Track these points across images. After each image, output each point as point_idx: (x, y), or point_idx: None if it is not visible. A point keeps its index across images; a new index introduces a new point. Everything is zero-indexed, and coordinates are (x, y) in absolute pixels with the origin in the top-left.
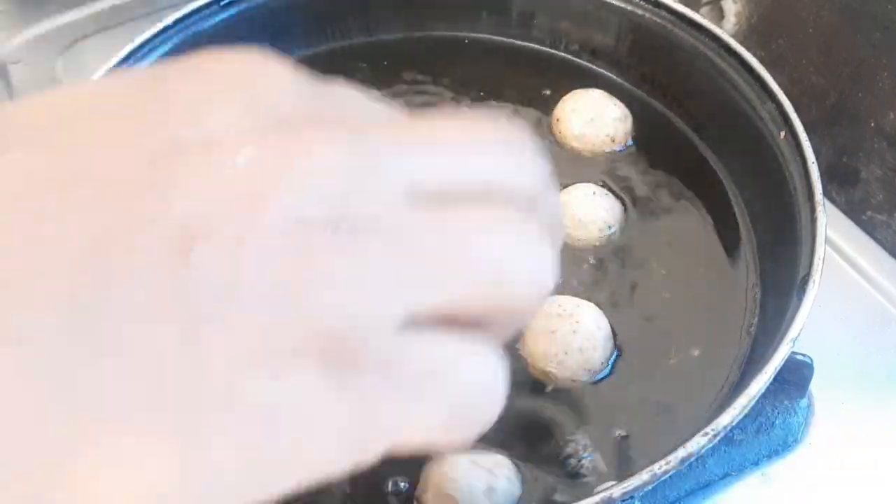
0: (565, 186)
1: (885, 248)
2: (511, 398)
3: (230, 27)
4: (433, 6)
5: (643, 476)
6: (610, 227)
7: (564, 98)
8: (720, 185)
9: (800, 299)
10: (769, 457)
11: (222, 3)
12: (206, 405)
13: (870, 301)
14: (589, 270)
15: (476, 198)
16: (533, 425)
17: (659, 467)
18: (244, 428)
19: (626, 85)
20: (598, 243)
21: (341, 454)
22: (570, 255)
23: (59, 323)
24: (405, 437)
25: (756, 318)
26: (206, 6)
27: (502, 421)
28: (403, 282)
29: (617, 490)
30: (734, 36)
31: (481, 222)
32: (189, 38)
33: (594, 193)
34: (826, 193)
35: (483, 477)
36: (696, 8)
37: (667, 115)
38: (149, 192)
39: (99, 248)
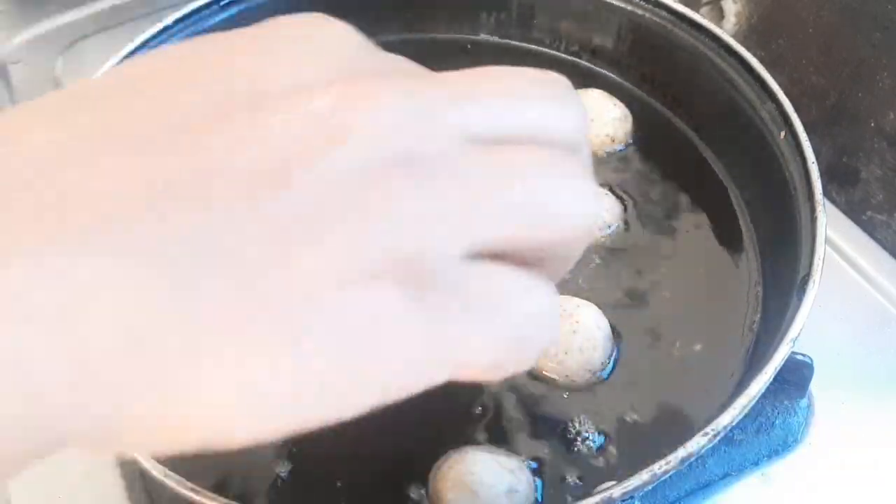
0: None
1: (885, 248)
2: (512, 398)
3: (230, 27)
4: (433, 7)
5: (643, 476)
6: (610, 227)
7: None
8: (720, 185)
9: (800, 299)
10: (769, 457)
11: (222, 3)
12: (302, 318)
13: (870, 301)
14: (589, 270)
15: (523, 141)
16: (533, 426)
17: (659, 467)
18: (334, 339)
19: (626, 85)
20: (598, 243)
21: (416, 371)
22: None
23: (181, 239)
24: (471, 358)
25: (757, 318)
26: (206, 6)
27: (503, 421)
28: (467, 215)
29: (617, 490)
30: (734, 36)
31: (530, 162)
32: (189, 38)
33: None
34: (826, 193)
35: (506, 478)
36: (696, 8)
37: (667, 115)
38: (244, 130)
39: (204, 176)
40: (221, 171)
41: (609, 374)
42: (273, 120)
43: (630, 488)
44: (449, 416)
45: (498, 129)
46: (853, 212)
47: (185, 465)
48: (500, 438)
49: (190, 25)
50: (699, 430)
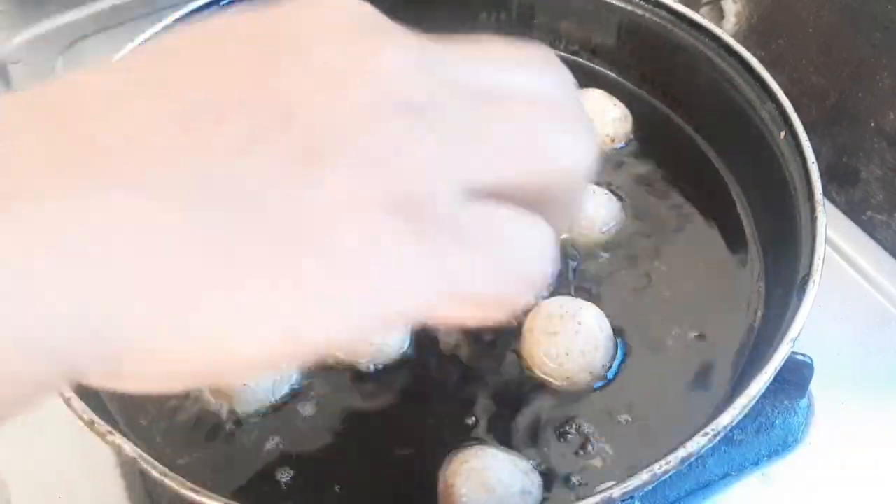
0: None
1: (885, 248)
2: (512, 399)
3: None
4: (432, 6)
5: (643, 476)
6: (610, 227)
7: None
8: (720, 184)
9: (800, 299)
10: (769, 457)
11: (222, 3)
12: (302, 243)
13: (870, 301)
14: (589, 270)
15: (517, 96)
16: (535, 426)
17: (659, 467)
18: (332, 262)
19: (627, 84)
20: (598, 242)
21: (414, 297)
22: (571, 254)
23: (190, 176)
24: (468, 289)
25: (757, 318)
26: (206, 6)
27: (504, 422)
28: (465, 154)
29: (617, 490)
30: (734, 36)
31: (527, 110)
32: None
33: (594, 193)
34: (826, 193)
35: (521, 479)
36: (696, 8)
37: (667, 114)
38: (255, 84)
39: (214, 121)
40: (230, 117)
41: (610, 375)
42: (282, 71)
43: (630, 488)
44: (449, 417)
45: (493, 83)
46: (853, 212)
47: (185, 465)
48: (501, 439)
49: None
50: (699, 430)
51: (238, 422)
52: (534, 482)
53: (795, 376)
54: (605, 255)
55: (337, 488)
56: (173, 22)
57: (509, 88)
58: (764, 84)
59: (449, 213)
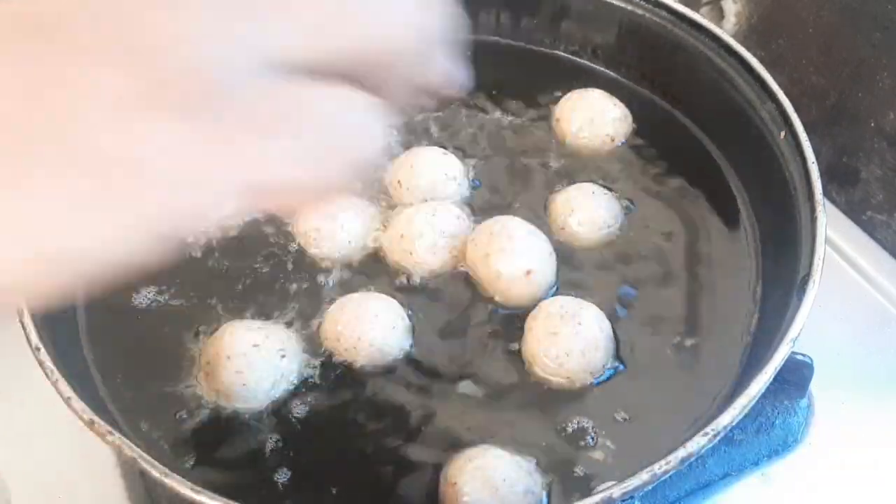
0: (565, 186)
1: (885, 248)
2: (512, 399)
3: None
4: None
5: (643, 476)
6: (610, 227)
7: (564, 98)
8: (720, 184)
9: (800, 299)
10: (769, 457)
11: None
12: (76, 147)
13: (870, 301)
14: (590, 270)
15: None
16: (535, 426)
17: (659, 467)
18: (108, 166)
19: (627, 84)
20: (598, 242)
21: (207, 194)
22: (571, 254)
23: None
24: (272, 176)
25: (757, 318)
26: None
27: (505, 422)
28: (258, 29)
29: (617, 490)
30: (734, 36)
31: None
32: None
33: (594, 193)
34: (826, 193)
35: (525, 479)
36: (696, 8)
37: (666, 114)
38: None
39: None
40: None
41: (610, 375)
42: None
43: (630, 488)
44: (449, 417)
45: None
46: (853, 212)
47: (185, 465)
48: (502, 438)
49: None
50: (699, 430)
51: (237, 421)
52: (537, 482)
53: (795, 376)
54: (605, 255)
55: (337, 488)
56: None
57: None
58: (764, 84)
59: (241, 99)
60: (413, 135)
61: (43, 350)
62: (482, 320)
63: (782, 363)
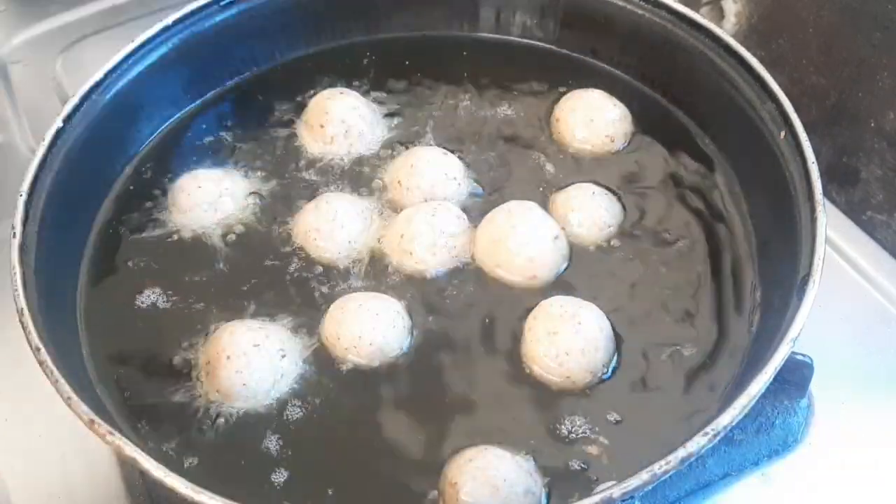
0: (565, 186)
1: (885, 248)
2: (513, 399)
3: (230, 27)
4: (433, 5)
5: (643, 476)
6: (610, 227)
7: (564, 98)
8: (719, 184)
9: (800, 299)
10: (769, 457)
11: (222, 3)
12: None
13: (870, 301)
14: (590, 270)
15: None
16: (535, 426)
17: (659, 467)
18: None
19: (626, 84)
20: (598, 242)
21: None
22: (571, 254)
23: None
24: None
25: (757, 318)
26: (206, 6)
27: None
28: None
29: (617, 490)
30: (734, 36)
31: None
32: (189, 38)
33: (594, 193)
34: (826, 193)
35: (525, 479)
36: (696, 8)
37: (666, 114)
38: None
39: None
40: None
41: (610, 374)
42: None
43: (630, 488)
44: (449, 416)
45: None
46: (853, 212)
47: (185, 465)
48: (502, 438)
49: (189, 26)
50: (699, 430)
51: (237, 421)
52: (537, 482)
53: (795, 376)
54: (606, 254)
55: (336, 488)
56: (173, 23)
57: None
58: (764, 84)
59: None
60: (413, 135)
61: (43, 350)
62: (482, 320)
63: (782, 363)
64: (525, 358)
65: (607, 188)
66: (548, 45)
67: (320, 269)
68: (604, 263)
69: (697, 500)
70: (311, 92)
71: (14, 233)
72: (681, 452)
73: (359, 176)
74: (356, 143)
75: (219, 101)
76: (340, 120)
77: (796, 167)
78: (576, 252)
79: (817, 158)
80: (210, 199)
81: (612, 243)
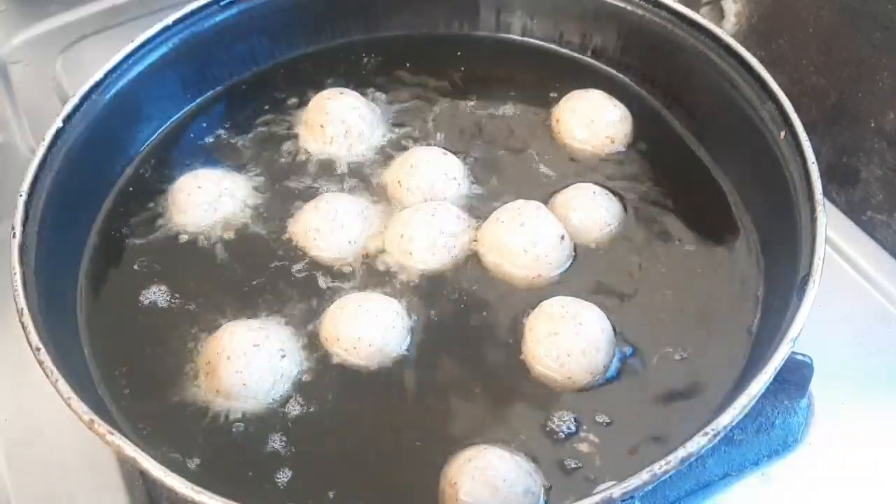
0: (565, 186)
1: (885, 248)
2: (513, 398)
3: (230, 27)
4: (433, 6)
5: (643, 476)
6: (610, 227)
7: (564, 99)
8: (720, 184)
9: (800, 299)
10: (769, 457)
11: (222, 3)
12: None
13: (870, 301)
14: (590, 270)
15: None
16: (535, 426)
17: (659, 467)
18: None
19: (627, 85)
20: (599, 242)
21: None
22: (571, 254)
23: None
24: None
25: (757, 318)
26: (206, 6)
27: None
28: None
29: (617, 490)
30: (734, 36)
31: None
32: (189, 38)
33: (594, 193)
34: (826, 193)
35: (525, 479)
36: (696, 8)
37: (667, 115)
38: None
39: None
40: None
41: (611, 375)
42: None
43: (630, 488)
44: (449, 417)
45: None
46: (853, 212)
47: (185, 465)
48: (502, 438)
49: (190, 25)
50: (699, 430)
51: (237, 421)
52: (537, 482)
53: (795, 376)
54: (606, 255)
55: (336, 488)
56: (173, 22)
57: None
58: (764, 84)
59: None
60: (413, 135)
61: (43, 350)
62: (482, 320)
63: (782, 363)
64: (526, 358)
65: (608, 188)
66: (548, 45)
67: (320, 269)
68: (604, 263)
69: (697, 500)
70: (311, 92)
71: (14, 233)
72: (681, 452)
73: (359, 176)
74: (356, 143)
75: (219, 100)
76: (340, 120)
77: (796, 167)
78: (576, 252)
79: (817, 158)
80: (210, 199)
81: (612, 243)
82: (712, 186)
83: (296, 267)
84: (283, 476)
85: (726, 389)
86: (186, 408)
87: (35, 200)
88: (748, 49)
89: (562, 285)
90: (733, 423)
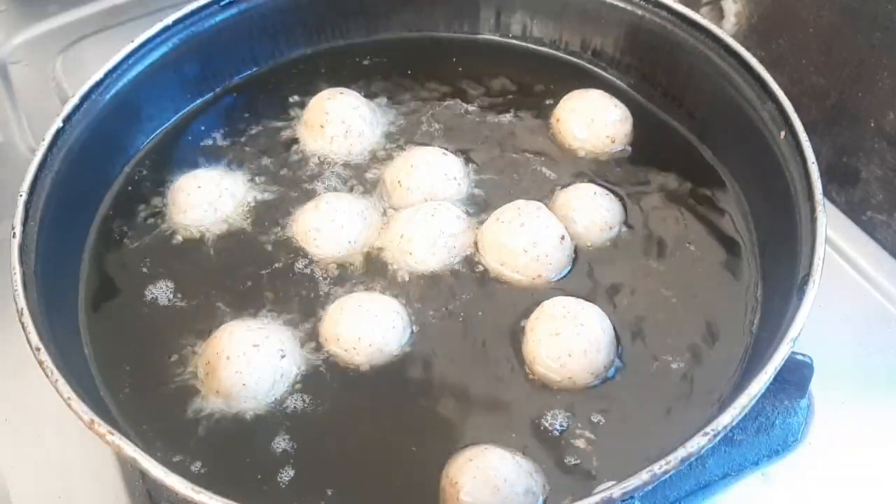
0: (565, 187)
1: (885, 248)
2: (513, 399)
3: (230, 27)
4: (433, 6)
5: (643, 476)
6: (611, 227)
7: (564, 99)
8: (720, 184)
9: (800, 299)
10: (769, 457)
11: (222, 3)
12: None
13: (870, 301)
14: (591, 270)
15: None
16: (535, 427)
17: (659, 467)
18: None
19: (627, 85)
20: (599, 243)
21: None
22: (572, 254)
23: None
24: None
25: (757, 318)
26: (206, 6)
27: (504, 423)
28: None
29: (617, 490)
30: (734, 36)
31: None
32: (189, 38)
33: (595, 194)
34: (826, 193)
35: (526, 479)
36: (696, 8)
37: (667, 115)
38: None
39: None
40: None
41: (612, 375)
42: None
43: (630, 488)
44: (450, 416)
45: None
46: (853, 212)
47: (185, 465)
48: (502, 438)
49: (190, 25)
50: (699, 430)
51: (237, 421)
52: (537, 482)
53: (795, 376)
54: (607, 255)
55: (337, 488)
56: (173, 22)
57: None
58: (764, 84)
59: None
60: (413, 135)
61: (43, 350)
62: (482, 320)
63: (782, 363)
64: (526, 358)
65: (608, 189)
66: (548, 45)
67: (320, 269)
68: (604, 264)
69: (697, 500)
70: (311, 92)
71: (14, 233)
72: (681, 452)
73: (359, 176)
74: (356, 142)
75: (218, 101)
76: (340, 120)
77: (796, 167)
78: (577, 252)
79: (817, 158)
80: (210, 198)
81: (612, 244)
82: (712, 186)
83: (296, 267)
84: (283, 476)
85: (726, 389)
86: (186, 408)
87: (35, 200)
88: (748, 49)
89: (562, 286)
90: (733, 423)
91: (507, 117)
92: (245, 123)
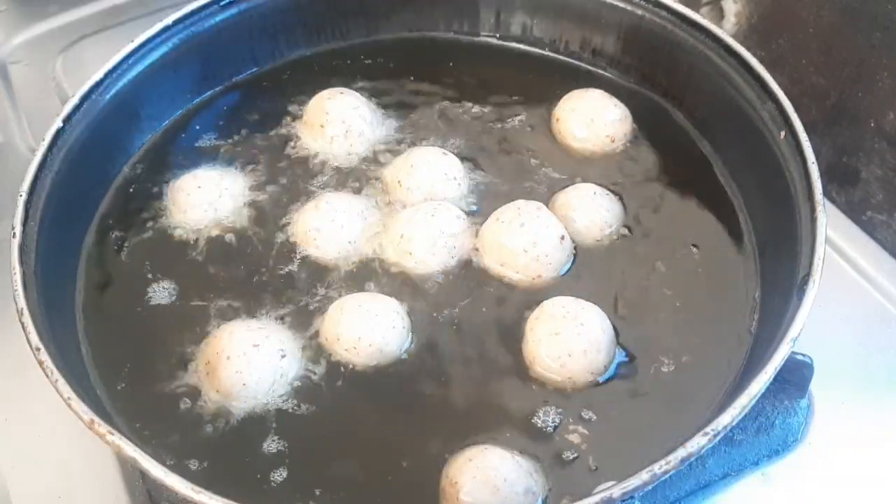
0: (565, 186)
1: (885, 248)
2: (513, 398)
3: (230, 27)
4: (432, 7)
5: (643, 476)
6: (611, 227)
7: (564, 98)
8: (720, 185)
9: (800, 299)
10: (769, 457)
11: (222, 3)
12: None
13: (870, 301)
14: (591, 270)
15: None
16: (535, 427)
17: (659, 467)
18: None
19: (627, 85)
20: (599, 243)
21: None
22: (572, 254)
23: None
24: None
25: (757, 318)
26: (206, 6)
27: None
28: None
29: (617, 490)
30: (734, 36)
31: None
32: (189, 38)
33: (595, 193)
34: (826, 193)
35: (526, 479)
36: (696, 8)
37: (667, 115)
38: None
39: None
40: None
41: (611, 376)
42: None
43: (630, 488)
44: (450, 416)
45: None
46: (853, 212)
47: (185, 465)
48: (502, 438)
49: (189, 26)
50: (699, 430)
51: (237, 421)
52: (537, 482)
53: (795, 376)
54: (607, 255)
55: (336, 488)
56: (173, 22)
57: None
58: (764, 84)
59: None
60: (413, 135)
61: (43, 350)
62: (482, 320)
63: (782, 363)
64: (526, 358)
65: (608, 188)
66: (548, 45)
67: (320, 269)
68: (604, 264)
69: (697, 500)
70: (311, 92)
71: (14, 233)
72: (681, 452)
73: (359, 176)
74: (356, 142)
75: (218, 101)
76: (340, 120)
77: (796, 167)
78: (577, 252)
79: (817, 158)
80: (209, 198)
81: (612, 244)
82: (712, 186)
83: (296, 267)
84: (284, 476)
85: (726, 389)
86: (186, 408)
87: (35, 200)
88: (748, 49)
89: (562, 286)
90: (733, 423)
91: (507, 117)
92: (245, 123)
